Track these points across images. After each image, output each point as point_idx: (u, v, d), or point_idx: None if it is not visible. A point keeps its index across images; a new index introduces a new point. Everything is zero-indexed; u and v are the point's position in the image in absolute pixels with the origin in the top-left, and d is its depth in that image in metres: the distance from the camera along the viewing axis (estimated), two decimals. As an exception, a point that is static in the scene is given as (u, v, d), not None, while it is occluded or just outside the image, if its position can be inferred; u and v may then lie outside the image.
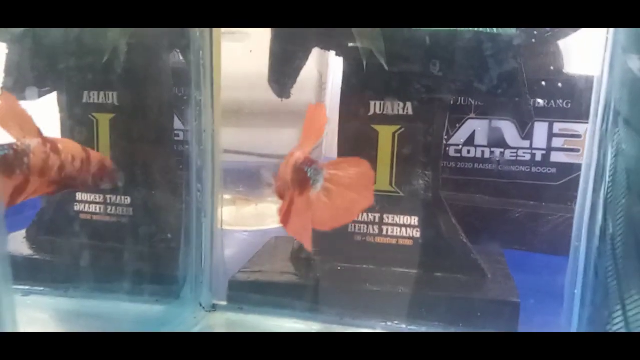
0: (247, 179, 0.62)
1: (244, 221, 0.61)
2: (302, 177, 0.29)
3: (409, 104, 0.42)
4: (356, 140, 0.44)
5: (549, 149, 0.56)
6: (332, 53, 0.55)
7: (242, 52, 0.53)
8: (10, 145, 0.31)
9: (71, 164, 0.34)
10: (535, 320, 0.40)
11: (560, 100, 0.54)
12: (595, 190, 0.34)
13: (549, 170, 0.56)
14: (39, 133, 0.33)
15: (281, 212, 0.30)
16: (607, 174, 0.33)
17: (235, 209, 0.63)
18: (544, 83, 0.52)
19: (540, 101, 0.53)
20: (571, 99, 0.54)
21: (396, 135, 0.43)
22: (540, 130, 0.55)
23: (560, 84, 0.53)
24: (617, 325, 0.29)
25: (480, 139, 0.57)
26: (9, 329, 0.24)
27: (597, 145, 0.34)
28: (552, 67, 0.52)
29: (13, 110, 0.32)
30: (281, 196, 0.31)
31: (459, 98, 0.56)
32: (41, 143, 0.32)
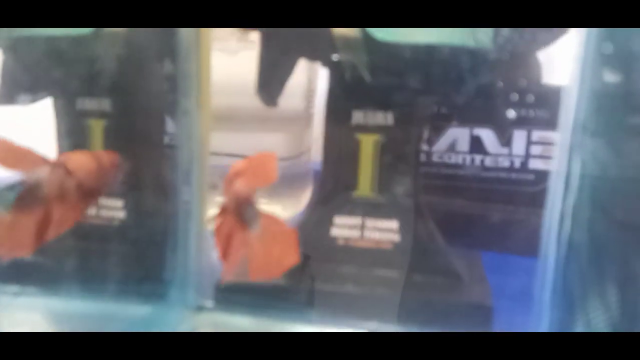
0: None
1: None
2: (242, 214, 0.30)
3: (390, 114, 0.44)
4: (339, 149, 0.46)
5: (527, 156, 0.57)
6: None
7: (233, 61, 0.54)
8: (21, 182, 0.31)
9: (87, 178, 0.34)
10: (507, 321, 0.41)
11: (538, 110, 0.56)
12: (564, 198, 0.35)
13: (527, 176, 0.58)
14: (44, 160, 0.32)
15: (221, 247, 0.31)
16: (575, 182, 0.34)
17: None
18: (521, 93, 0.54)
19: (518, 111, 0.55)
20: (548, 108, 0.55)
21: (378, 143, 0.44)
22: (518, 138, 0.57)
23: (537, 94, 0.55)
24: (579, 329, 0.31)
25: (462, 146, 0.58)
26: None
27: (567, 154, 0.35)
28: (529, 78, 0.53)
29: (10, 149, 0.31)
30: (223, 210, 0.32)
31: (441, 108, 0.57)
32: (50, 169, 0.32)
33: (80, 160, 0.35)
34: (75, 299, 0.43)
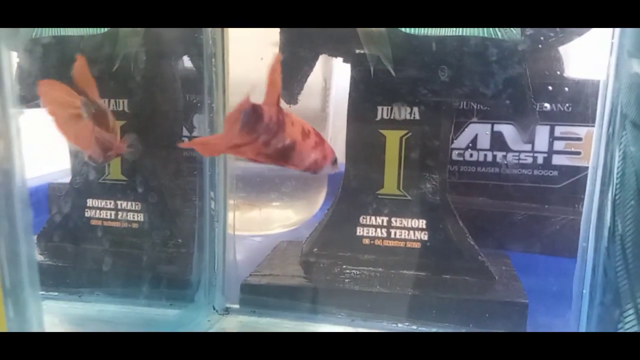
0: (250, 184, 0.63)
1: (248, 226, 0.61)
2: None
3: (415, 109, 0.43)
4: (364, 145, 0.45)
5: (551, 152, 0.56)
6: (336, 60, 0.56)
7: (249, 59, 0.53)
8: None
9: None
10: (542, 321, 0.40)
11: (562, 104, 0.55)
12: (603, 192, 0.34)
13: (551, 172, 0.57)
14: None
15: None
16: (615, 175, 0.33)
17: (238, 214, 0.64)
18: (547, 87, 0.53)
19: (544, 105, 0.54)
20: (572, 103, 0.54)
21: (403, 139, 0.43)
22: (541, 133, 0.56)
23: (561, 88, 0.54)
24: (630, 323, 0.30)
25: (483, 142, 0.58)
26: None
27: (604, 147, 0.34)
28: (553, 72, 0.53)
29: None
30: None
31: (462, 102, 0.56)
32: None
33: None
34: (102, 303, 0.42)
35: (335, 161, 0.34)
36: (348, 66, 0.45)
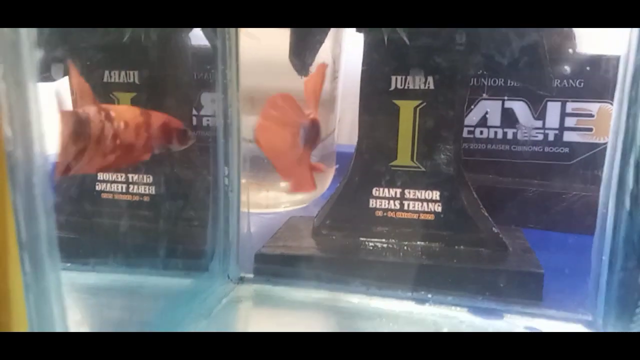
0: (257, 165, 0.62)
1: (257, 203, 0.60)
2: None
3: (430, 78, 0.42)
4: (377, 116, 0.44)
5: (562, 129, 0.56)
6: (346, 41, 0.55)
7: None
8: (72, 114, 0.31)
9: (124, 131, 0.33)
10: (559, 294, 0.40)
11: (573, 80, 0.54)
12: (624, 156, 0.34)
13: (562, 149, 0.56)
14: (94, 101, 0.32)
15: None
16: (638, 138, 0.33)
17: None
18: (559, 62, 0.52)
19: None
20: (584, 78, 0.54)
21: (417, 110, 0.43)
22: (553, 109, 0.56)
23: (573, 64, 0.53)
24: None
25: (493, 119, 0.57)
26: (55, 307, 0.23)
27: (625, 112, 0.34)
28: (565, 47, 0.52)
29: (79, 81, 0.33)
30: None
31: (472, 79, 0.56)
32: (97, 111, 0.32)
33: (125, 111, 0.35)
34: (115, 273, 0.41)
35: None
36: (356, 48, 0.44)
